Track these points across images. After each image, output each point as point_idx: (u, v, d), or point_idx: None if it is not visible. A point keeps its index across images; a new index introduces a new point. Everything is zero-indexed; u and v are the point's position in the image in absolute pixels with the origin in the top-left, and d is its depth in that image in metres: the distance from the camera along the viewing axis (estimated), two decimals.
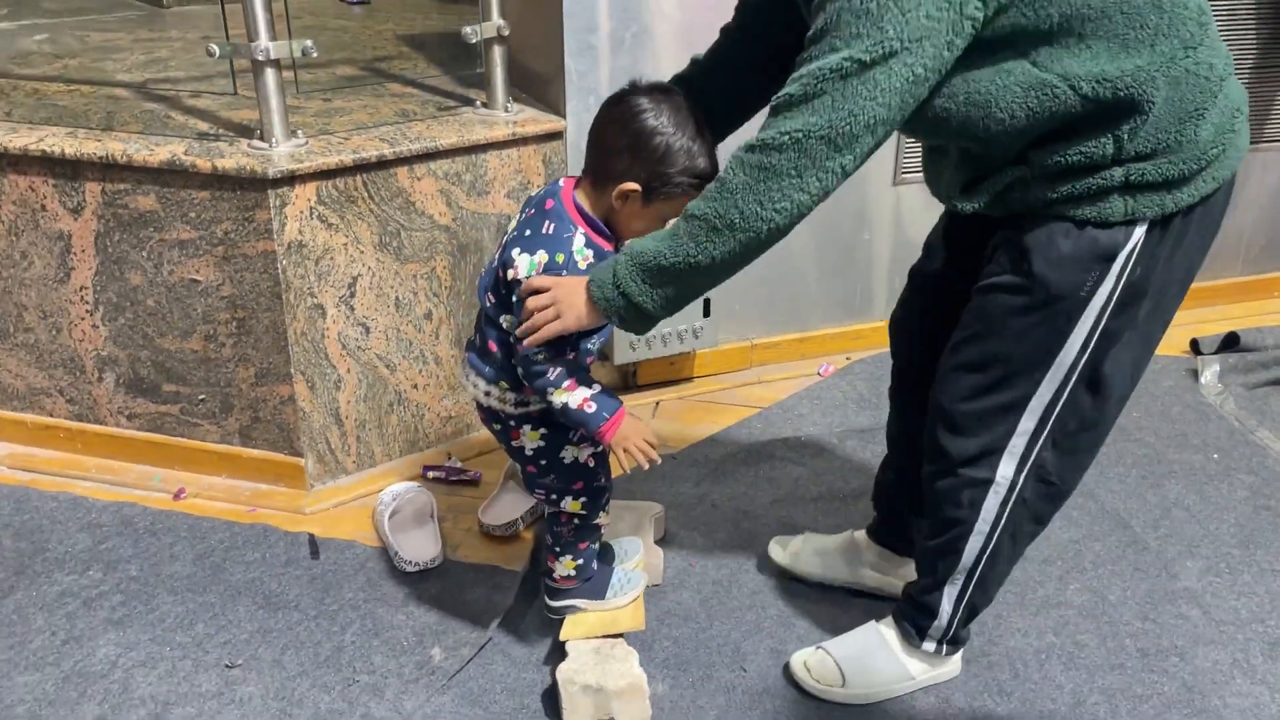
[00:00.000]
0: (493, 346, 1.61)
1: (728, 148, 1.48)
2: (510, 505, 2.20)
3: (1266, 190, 3.05)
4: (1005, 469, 1.58)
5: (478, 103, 2.40)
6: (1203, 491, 2.31)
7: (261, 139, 2.09)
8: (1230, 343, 2.82)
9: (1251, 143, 2.94)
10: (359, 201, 2.13)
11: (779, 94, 1.34)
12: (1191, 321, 2.99)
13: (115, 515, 2.21)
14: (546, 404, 1.56)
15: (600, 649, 1.75)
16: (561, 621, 1.81)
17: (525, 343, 1.50)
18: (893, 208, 2.68)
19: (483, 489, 2.31)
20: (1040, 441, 1.56)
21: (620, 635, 1.79)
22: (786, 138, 1.32)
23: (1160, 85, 1.33)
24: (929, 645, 1.77)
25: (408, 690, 1.79)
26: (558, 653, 1.79)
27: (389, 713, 1.75)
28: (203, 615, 1.95)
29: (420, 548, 2.09)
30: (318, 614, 1.95)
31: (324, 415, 2.25)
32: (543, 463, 1.68)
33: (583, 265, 1.52)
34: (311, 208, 2.08)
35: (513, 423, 1.66)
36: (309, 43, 2.05)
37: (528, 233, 1.54)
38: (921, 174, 1.68)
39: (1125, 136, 1.35)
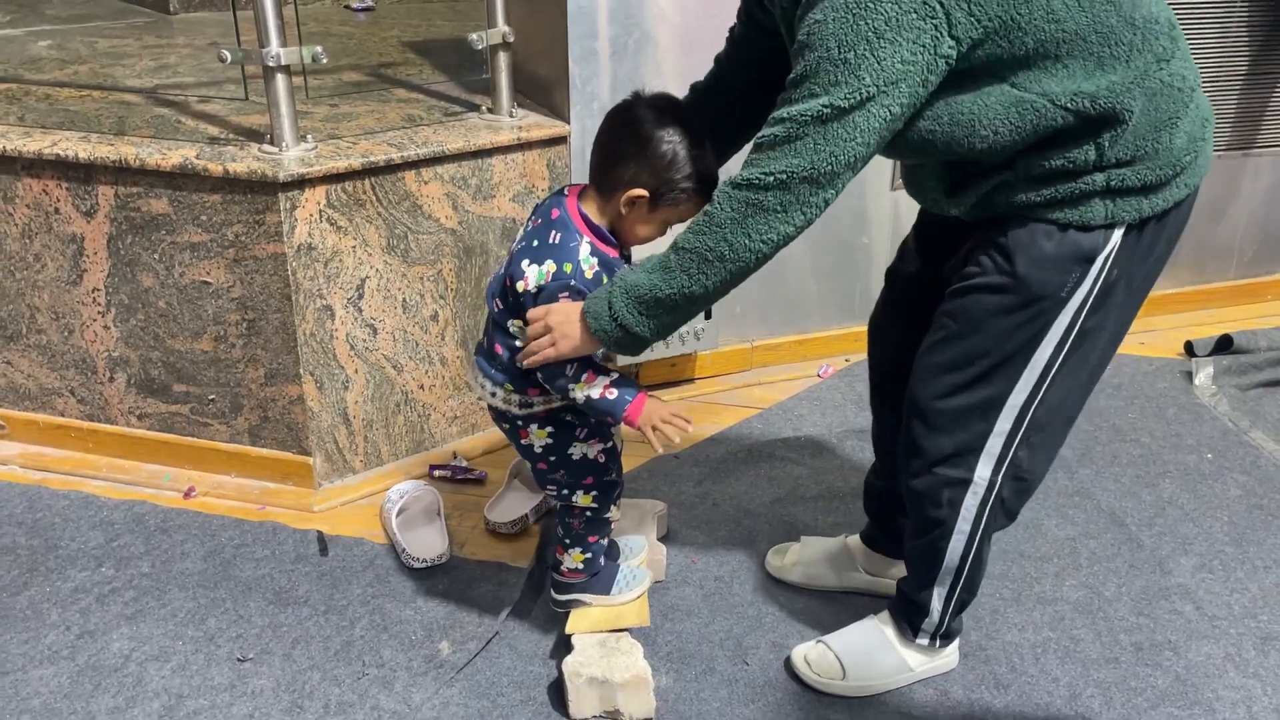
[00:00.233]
0: (499, 350, 1.65)
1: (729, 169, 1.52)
2: (516, 503, 2.24)
3: (1259, 195, 3.09)
4: (983, 470, 1.62)
5: (483, 108, 2.43)
6: (1197, 491, 2.35)
7: (272, 143, 2.12)
8: (1224, 345, 2.86)
9: (1243, 149, 3.01)
10: (367, 205, 2.17)
11: (762, 133, 1.40)
12: (1186, 324, 3.04)
13: (126, 513, 2.24)
14: (569, 401, 1.60)
15: (605, 642, 1.78)
16: (566, 615, 1.85)
17: (525, 364, 1.56)
18: (891, 212, 2.73)
19: (488, 487, 2.35)
20: (1016, 441, 1.61)
21: (625, 630, 1.82)
22: (771, 178, 1.37)
23: (1138, 97, 1.38)
24: (923, 640, 1.80)
25: (416, 683, 1.83)
26: (563, 646, 1.82)
27: (398, 705, 1.78)
28: (214, 610, 1.98)
29: (427, 545, 2.12)
30: (327, 609, 1.99)
31: (332, 415, 2.28)
32: (552, 459, 1.72)
33: (589, 274, 1.55)
34: (321, 211, 2.12)
35: (520, 422, 1.70)
36: (319, 48, 2.09)
37: (535, 243, 1.58)
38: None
39: (1106, 144, 1.40)
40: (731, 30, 1.71)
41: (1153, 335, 3.02)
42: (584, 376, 1.56)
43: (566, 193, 1.62)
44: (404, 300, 2.29)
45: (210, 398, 2.30)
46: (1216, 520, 2.25)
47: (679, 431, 1.55)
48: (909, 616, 1.80)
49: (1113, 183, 1.42)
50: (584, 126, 2.39)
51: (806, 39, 1.33)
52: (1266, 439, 2.54)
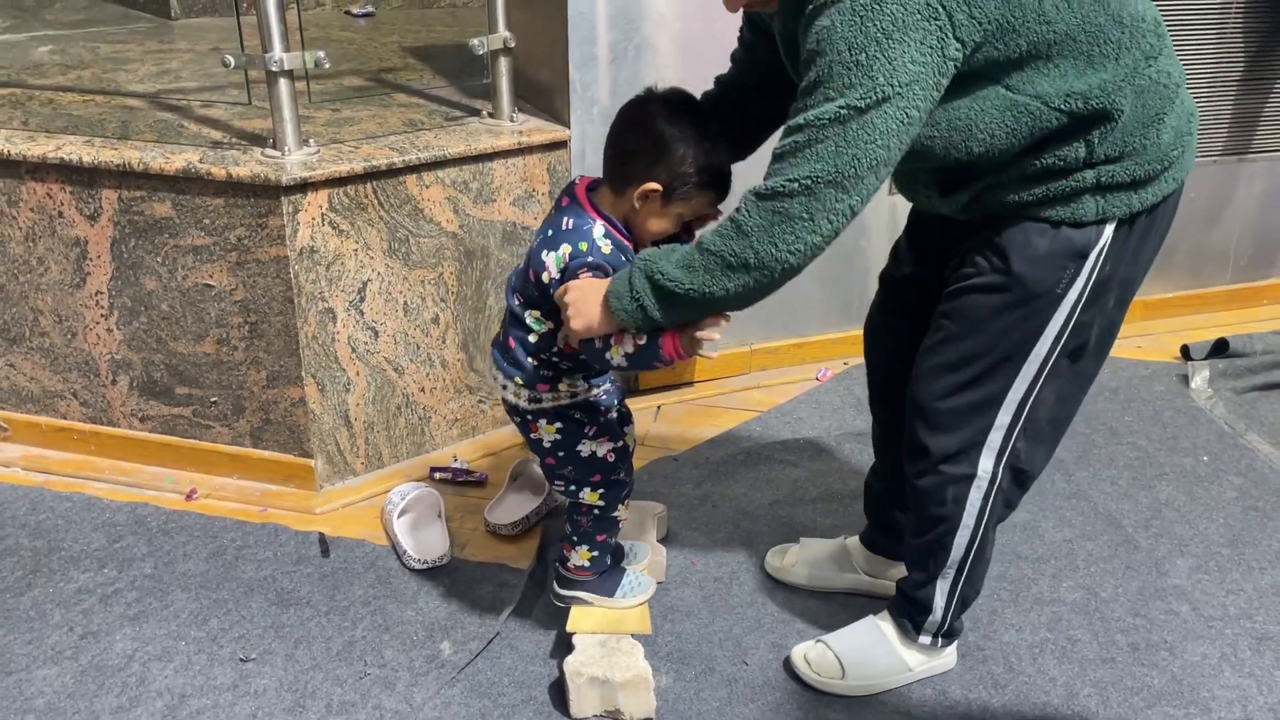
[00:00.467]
0: (512, 344, 1.67)
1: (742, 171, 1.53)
2: (516, 505, 2.25)
3: (1254, 200, 3.11)
4: (985, 463, 1.65)
5: (484, 113, 2.45)
6: (1193, 493, 2.37)
7: (274, 147, 2.14)
8: (1220, 349, 2.88)
9: (1238, 154, 3.03)
10: (369, 208, 2.18)
11: (780, 143, 1.40)
12: (1182, 328, 3.06)
13: (129, 515, 2.25)
14: (612, 369, 1.61)
15: (606, 642, 1.80)
16: (566, 614, 1.86)
17: (565, 347, 1.61)
18: (888, 216, 2.74)
19: (489, 489, 2.36)
20: (1015, 434, 1.63)
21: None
22: (796, 184, 1.37)
23: (1128, 94, 1.41)
24: (925, 639, 1.81)
25: (418, 683, 1.84)
26: (564, 646, 1.84)
27: (400, 704, 1.79)
28: (216, 611, 1.99)
29: (429, 546, 2.13)
30: (329, 610, 2.00)
31: (333, 417, 2.30)
32: (560, 454, 1.74)
33: (605, 250, 1.56)
34: (323, 214, 2.13)
35: (530, 416, 1.72)
36: (322, 53, 2.10)
37: (549, 232, 1.60)
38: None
39: (1096, 141, 1.43)
40: (741, 31, 1.73)
41: (1149, 339, 3.03)
42: (612, 340, 1.55)
43: (577, 180, 1.65)
44: (405, 303, 2.30)
45: (212, 400, 2.32)
46: (1212, 522, 2.27)
47: (716, 331, 1.51)
48: (911, 615, 1.81)
49: (1103, 179, 1.45)
50: (584, 131, 2.40)
51: (816, 46, 1.35)
52: (1262, 442, 2.55)
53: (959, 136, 1.42)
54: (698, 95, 1.66)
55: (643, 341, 1.52)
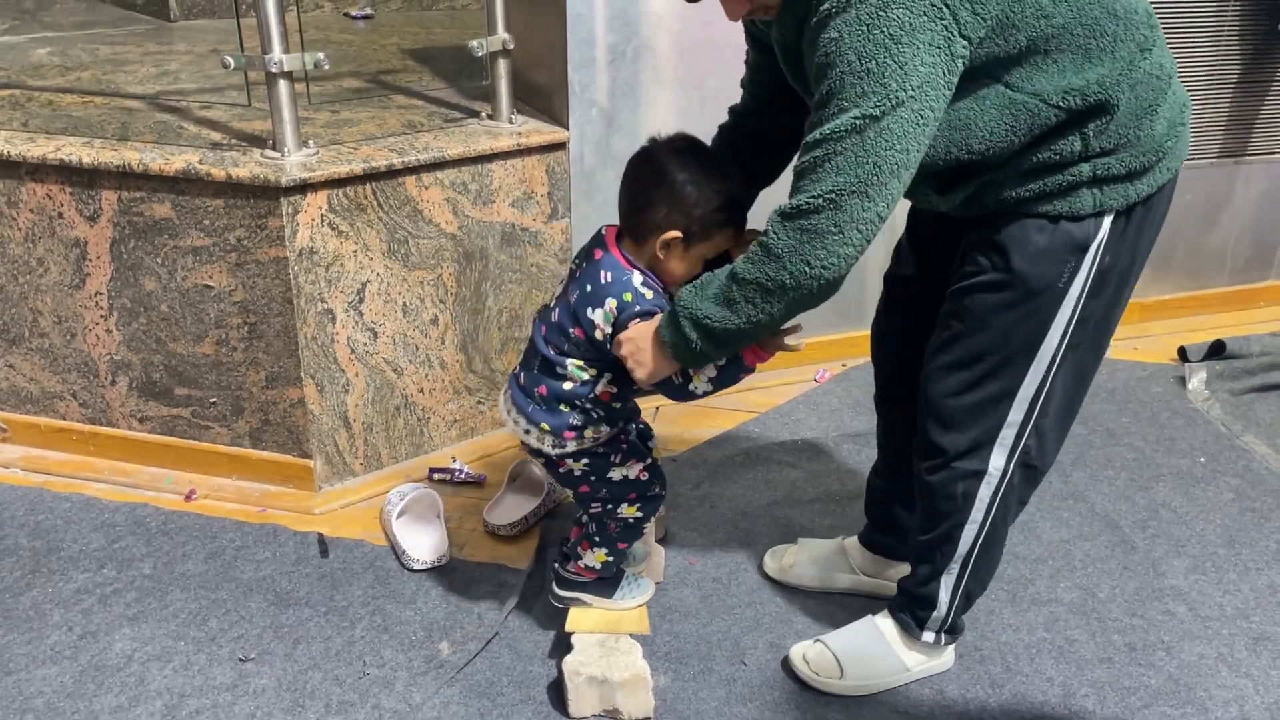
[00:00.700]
0: (543, 390, 1.66)
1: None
2: (515, 506, 2.26)
3: (1251, 202, 3.12)
4: (997, 460, 1.65)
5: (482, 114, 2.46)
6: (1190, 493, 2.37)
7: (274, 149, 2.14)
8: (1217, 350, 2.89)
9: (1235, 156, 3.03)
10: (368, 210, 2.19)
11: (799, 160, 1.41)
12: (1179, 330, 3.07)
13: (128, 516, 2.25)
14: (696, 396, 1.61)
15: (605, 642, 1.80)
16: (565, 613, 1.86)
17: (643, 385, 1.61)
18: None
19: (488, 490, 2.36)
20: (1027, 430, 1.64)
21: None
22: (820, 200, 1.37)
23: (1124, 88, 1.42)
24: (928, 636, 1.82)
25: (417, 683, 1.84)
26: (563, 646, 1.84)
27: (399, 704, 1.80)
28: (215, 611, 2.00)
29: (427, 546, 2.13)
30: (328, 610, 2.00)
31: (332, 418, 2.30)
32: (593, 479, 1.74)
33: (648, 296, 1.58)
34: (322, 215, 2.14)
35: (555, 457, 1.72)
36: (321, 55, 2.11)
37: (589, 288, 1.60)
38: None
39: (1091, 134, 1.44)
40: (746, 54, 1.74)
41: (1146, 340, 3.04)
42: (691, 374, 1.57)
43: (605, 232, 1.65)
44: (404, 304, 2.31)
45: (211, 401, 2.32)
46: (1209, 523, 2.28)
47: (794, 339, 1.59)
48: (914, 612, 1.82)
49: (1099, 172, 1.46)
50: (583, 133, 2.41)
51: (826, 59, 1.35)
52: (1259, 443, 2.56)
53: (959, 136, 1.43)
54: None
55: (722, 362, 1.56)
